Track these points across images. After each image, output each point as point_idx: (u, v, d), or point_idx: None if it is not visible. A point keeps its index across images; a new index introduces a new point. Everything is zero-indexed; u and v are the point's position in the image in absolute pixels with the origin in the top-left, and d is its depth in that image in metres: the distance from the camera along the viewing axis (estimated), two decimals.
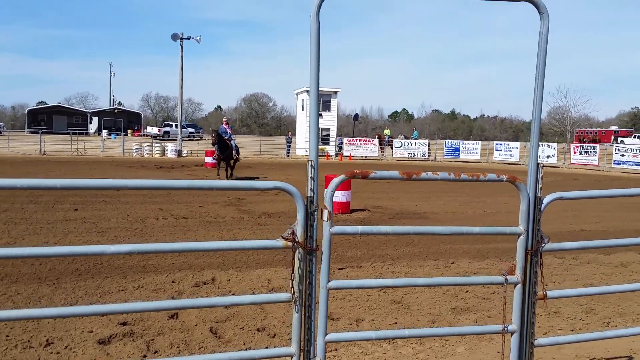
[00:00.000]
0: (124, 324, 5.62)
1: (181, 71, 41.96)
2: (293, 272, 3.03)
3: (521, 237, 3.27)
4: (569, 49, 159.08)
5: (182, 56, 41.76)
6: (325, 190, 3.08)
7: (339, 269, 8.10)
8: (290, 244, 3.02)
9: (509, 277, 3.28)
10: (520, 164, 38.75)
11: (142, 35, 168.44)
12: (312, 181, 3.01)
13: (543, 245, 3.27)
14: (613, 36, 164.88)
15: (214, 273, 7.66)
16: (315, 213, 3.04)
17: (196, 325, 5.71)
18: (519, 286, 3.32)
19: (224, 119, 22.94)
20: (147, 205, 13.59)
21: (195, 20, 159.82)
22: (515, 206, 12.25)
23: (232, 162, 21.58)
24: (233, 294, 6.81)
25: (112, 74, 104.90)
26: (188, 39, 41.55)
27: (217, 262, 8.19)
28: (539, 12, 3.11)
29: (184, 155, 39.33)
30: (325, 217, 3.03)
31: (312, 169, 3.01)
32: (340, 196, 13.22)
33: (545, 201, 3.24)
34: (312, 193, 3.03)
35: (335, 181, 3.05)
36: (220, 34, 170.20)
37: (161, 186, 2.99)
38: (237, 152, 21.70)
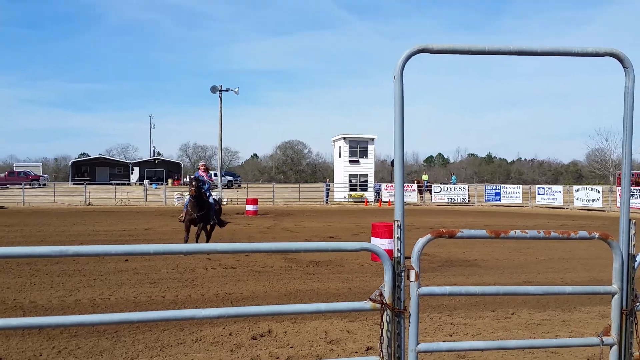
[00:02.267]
0: None
1: (220, 122, 42.80)
2: (382, 335, 2.97)
3: (615, 296, 3.16)
4: (607, 88, 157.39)
5: (221, 107, 42.68)
6: (412, 251, 3.04)
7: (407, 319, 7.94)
8: (378, 305, 2.97)
9: (604, 339, 3.15)
10: (564, 208, 37.96)
11: (179, 87, 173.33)
12: (399, 241, 2.98)
13: (638, 304, 3.14)
14: None
15: (269, 325, 7.59)
16: (403, 274, 3.00)
17: None
18: (615, 347, 3.18)
19: (201, 163, 16.18)
20: (195, 254, 13.67)
21: (229, 71, 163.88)
22: (566, 252, 11.96)
23: (208, 227, 15.62)
24: (292, 347, 6.73)
25: (152, 125, 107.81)
26: (227, 90, 42.54)
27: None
28: (624, 67, 3.08)
29: (224, 203, 39.70)
30: (412, 278, 2.98)
31: (399, 229, 2.98)
32: (386, 244, 13.09)
33: (638, 259, 3.13)
34: (399, 254, 2.99)
35: (421, 241, 3.01)
36: (254, 83, 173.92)
37: (235, 249, 2.99)
38: (219, 212, 15.99)
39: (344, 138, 45.93)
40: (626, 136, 3.10)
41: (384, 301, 2.97)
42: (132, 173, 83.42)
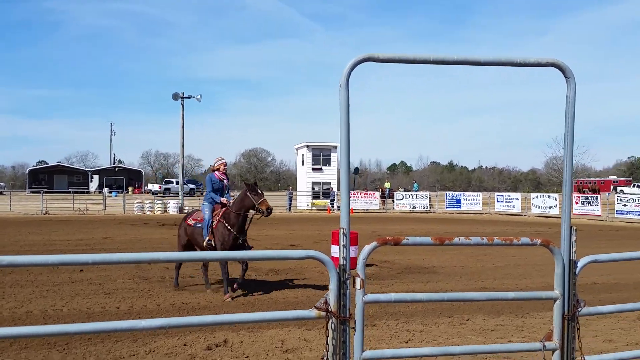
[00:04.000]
0: None
1: (182, 129, 42.40)
2: (327, 343, 2.96)
3: (557, 301, 3.21)
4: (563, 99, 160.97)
5: (182, 114, 42.31)
6: (358, 258, 3.03)
7: (352, 327, 7.93)
8: (323, 313, 2.95)
9: (547, 344, 3.20)
10: (522, 215, 38.68)
11: (139, 94, 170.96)
12: (345, 249, 2.97)
13: (580, 309, 3.20)
14: (605, 86, 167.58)
15: (225, 334, 7.49)
16: (348, 281, 2.99)
17: None
18: (557, 352, 3.23)
19: (220, 161, 10.78)
20: (153, 264, 13.44)
21: (192, 79, 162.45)
22: (522, 258, 12.18)
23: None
24: (247, 357, 6.66)
25: (113, 133, 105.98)
26: (189, 97, 42.22)
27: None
28: (565, 77, 3.14)
29: (186, 210, 39.25)
30: (358, 285, 2.98)
31: (344, 237, 2.97)
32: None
33: (579, 265, 3.19)
34: (344, 261, 2.98)
35: (367, 249, 3.00)
36: (217, 91, 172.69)
37: (187, 258, 2.94)
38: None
39: (307, 146, 46.01)
40: (567, 144, 3.17)
41: (329, 309, 2.95)
42: (91, 181, 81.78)
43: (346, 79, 2.97)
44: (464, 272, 13.40)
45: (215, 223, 10.35)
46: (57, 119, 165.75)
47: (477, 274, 13.15)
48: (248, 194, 10.17)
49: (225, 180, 10.74)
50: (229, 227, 10.12)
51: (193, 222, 10.90)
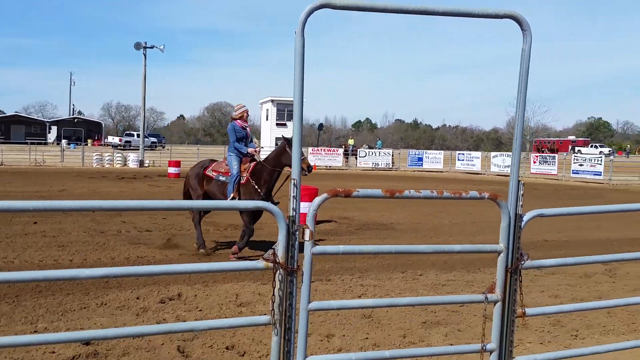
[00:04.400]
0: (88, 343, 5.41)
1: (144, 80, 41.48)
2: (274, 294, 2.95)
3: (501, 254, 3.26)
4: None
5: (145, 65, 41.33)
6: (308, 210, 3.01)
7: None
8: (271, 264, 2.94)
9: (489, 296, 3.26)
10: (482, 174, 39.37)
11: (103, 44, 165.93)
12: (295, 200, 2.94)
13: (523, 262, 3.26)
14: (569, 46, 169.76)
15: (180, 288, 7.48)
16: (297, 233, 2.97)
17: (163, 344, 5.53)
18: (499, 304, 3.30)
19: (242, 109, 9.88)
20: (110, 217, 13.26)
21: (158, 29, 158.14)
22: (478, 215, 12.41)
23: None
24: (200, 311, 6.67)
25: (73, 83, 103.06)
26: (152, 47, 41.14)
27: (183, 277, 7.98)
28: (522, 29, 3.12)
29: (146, 165, 38.72)
30: (307, 237, 2.97)
31: (295, 188, 2.94)
32: (306, 207, 13.10)
33: (525, 218, 3.24)
34: (294, 212, 2.96)
35: (317, 200, 2.99)
36: (182, 42, 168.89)
37: (138, 207, 2.88)
38: None
39: (272, 101, 45.60)
40: (520, 99, 3.17)
41: (277, 260, 2.94)
42: (49, 132, 79.58)
43: (302, 26, 2.89)
44: (421, 228, 13.62)
45: (244, 179, 9.46)
46: (14, 68, 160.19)
47: (434, 230, 13.38)
48: (287, 149, 9.21)
49: (247, 129, 9.84)
50: (257, 188, 9.29)
51: (214, 174, 9.82)
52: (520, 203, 3.19)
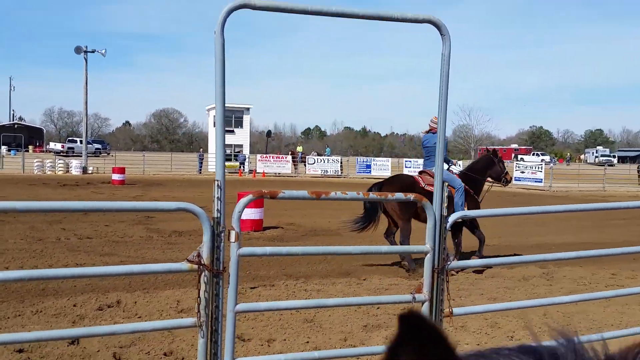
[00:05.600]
0: (21, 351, 5.21)
1: (86, 85, 40.49)
2: (199, 296, 2.92)
3: (428, 255, 3.32)
4: (471, 68, 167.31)
5: (86, 70, 40.36)
6: (233, 211, 3.00)
7: (251, 288, 7.97)
8: (195, 266, 2.91)
9: (416, 296, 3.32)
10: None
11: (43, 48, 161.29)
12: (219, 201, 2.93)
13: (449, 263, 3.33)
14: (512, 56, 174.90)
15: (119, 295, 7.30)
16: (223, 234, 2.95)
17: (98, 351, 5.37)
18: (426, 304, 3.36)
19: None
20: (49, 225, 12.86)
21: (100, 33, 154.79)
22: (422, 223, 12.38)
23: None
24: (139, 317, 6.53)
25: (12, 88, 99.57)
26: (93, 52, 40.20)
27: (123, 284, 7.82)
28: (441, 34, 3.19)
29: (90, 172, 37.75)
30: (232, 239, 2.95)
31: (219, 189, 2.93)
32: (252, 213, 13.06)
33: (450, 220, 3.31)
34: (218, 214, 2.94)
35: (242, 201, 2.98)
36: (127, 47, 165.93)
37: (56, 208, 2.81)
38: None
39: None
40: (441, 103, 3.24)
41: (202, 262, 2.91)
42: None
43: (221, 26, 2.89)
44: (367, 234, 13.66)
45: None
46: None
47: (380, 236, 13.48)
48: (496, 161, 9.84)
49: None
50: (476, 197, 9.47)
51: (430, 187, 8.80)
52: (445, 205, 3.25)
